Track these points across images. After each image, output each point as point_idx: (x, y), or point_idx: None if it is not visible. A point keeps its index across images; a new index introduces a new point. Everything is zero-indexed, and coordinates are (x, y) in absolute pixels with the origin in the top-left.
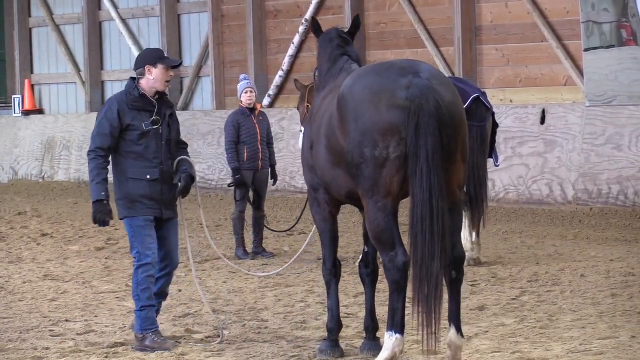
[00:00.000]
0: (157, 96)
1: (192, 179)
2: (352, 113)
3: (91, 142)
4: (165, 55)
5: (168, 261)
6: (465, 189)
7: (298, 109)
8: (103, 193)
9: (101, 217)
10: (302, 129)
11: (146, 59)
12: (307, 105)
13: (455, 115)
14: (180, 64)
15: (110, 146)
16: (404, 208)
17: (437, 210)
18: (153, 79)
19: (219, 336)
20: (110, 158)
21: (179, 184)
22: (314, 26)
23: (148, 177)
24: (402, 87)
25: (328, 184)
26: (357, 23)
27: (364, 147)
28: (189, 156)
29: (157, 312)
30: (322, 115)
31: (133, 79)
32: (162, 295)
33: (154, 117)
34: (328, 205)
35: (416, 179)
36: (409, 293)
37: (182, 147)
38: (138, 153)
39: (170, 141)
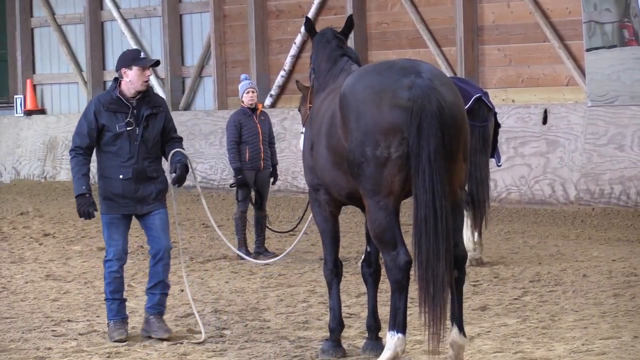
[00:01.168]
0: (138, 96)
1: (186, 168)
2: (354, 112)
3: (72, 141)
4: (142, 55)
5: (156, 246)
6: (467, 189)
7: (299, 110)
8: (84, 187)
9: (85, 209)
10: (304, 129)
11: (121, 61)
12: (310, 107)
13: (457, 116)
14: (156, 62)
15: (88, 145)
16: (407, 208)
17: (440, 211)
18: (129, 81)
19: (222, 335)
20: (90, 155)
21: (174, 174)
22: (308, 26)
23: (121, 176)
24: (404, 87)
25: (328, 184)
26: (350, 23)
27: (365, 147)
28: (182, 148)
29: (161, 305)
30: (322, 116)
31: (116, 79)
32: (161, 285)
33: (127, 119)
34: (329, 205)
35: (418, 180)
36: (412, 293)
37: (176, 140)
38: (113, 152)
39: (147, 141)
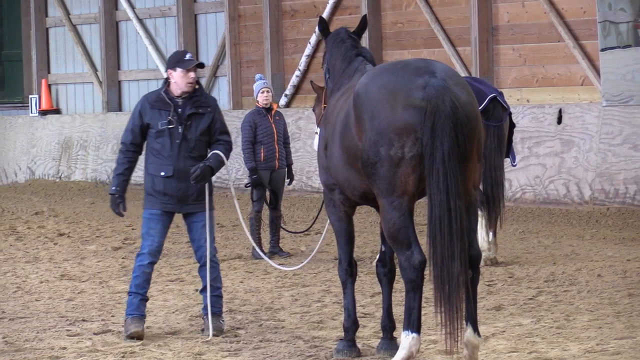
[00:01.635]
0: (185, 95)
1: (210, 169)
2: (368, 112)
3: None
4: (187, 57)
5: (197, 250)
6: (482, 189)
7: (314, 110)
8: (114, 187)
9: (113, 209)
10: (318, 129)
11: (168, 63)
12: (324, 107)
13: (470, 116)
14: (199, 65)
15: (132, 141)
16: (421, 208)
17: (454, 211)
18: (174, 82)
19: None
20: (135, 152)
21: (194, 172)
22: (321, 26)
23: (162, 173)
24: (418, 87)
25: (342, 184)
26: (364, 23)
27: (379, 146)
28: (224, 150)
29: (212, 305)
30: (336, 115)
31: (167, 78)
32: (210, 288)
33: (170, 117)
34: (343, 205)
35: (432, 180)
36: (427, 292)
37: (221, 142)
38: (157, 150)
39: (189, 140)
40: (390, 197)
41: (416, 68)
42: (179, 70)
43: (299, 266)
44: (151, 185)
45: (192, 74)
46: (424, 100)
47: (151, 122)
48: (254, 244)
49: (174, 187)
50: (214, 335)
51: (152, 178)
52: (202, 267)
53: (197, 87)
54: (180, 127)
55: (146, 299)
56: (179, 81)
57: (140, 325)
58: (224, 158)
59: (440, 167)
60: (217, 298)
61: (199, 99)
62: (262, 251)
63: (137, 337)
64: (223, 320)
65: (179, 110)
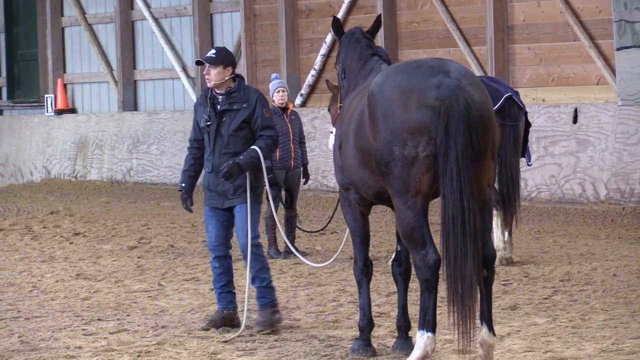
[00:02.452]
0: (224, 92)
1: (237, 165)
2: (382, 111)
3: None
4: (207, 54)
5: (239, 244)
6: (497, 188)
7: (329, 110)
8: (180, 184)
9: (182, 205)
10: (333, 129)
11: None
12: (340, 106)
13: (484, 115)
14: (208, 59)
15: (195, 138)
16: (436, 207)
17: (468, 210)
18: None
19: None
20: (200, 149)
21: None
22: (335, 25)
23: (206, 169)
24: (432, 87)
25: (356, 183)
26: (378, 23)
27: (393, 146)
28: (264, 145)
29: (263, 297)
30: (351, 114)
31: None
32: (257, 280)
33: (208, 114)
34: (359, 204)
35: (446, 179)
36: (442, 292)
37: (262, 137)
38: (204, 147)
39: (223, 136)
40: (405, 196)
41: (430, 67)
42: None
43: (328, 262)
44: (204, 181)
45: (208, 70)
46: (438, 99)
47: (198, 119)
48: (288, 244)
49: (214, 183)
50: (262, 330)
51: (204, 174)
52: (245, 259)
53: (215, 82)
54: (215, 124)
55: (223, 291)
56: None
57: (213, 319)
58: (260, 153)
59: (453, 167)
60: (265, 289)
61: (238, 94)
62: (297, 249)
63: (215, 327)
64: (276, 312)
65: (218, 106)
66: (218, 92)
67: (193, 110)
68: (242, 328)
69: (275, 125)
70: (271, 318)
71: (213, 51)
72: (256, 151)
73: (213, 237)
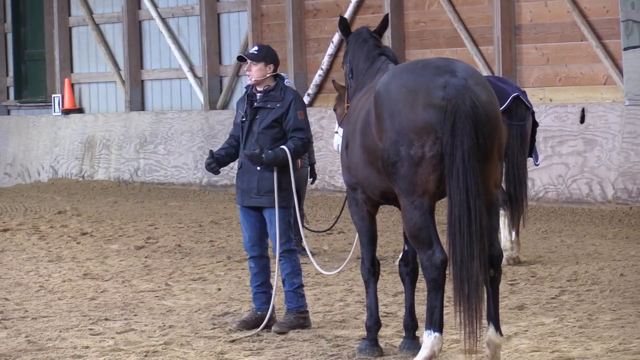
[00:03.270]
0: (262, 89)
1: (259, 156)
2: (388, 111)
3: None
4: (247, 51)
5: (274, 248)
6: (505, 188)
7: (335, 110)
8: (213, 150)
9: (206, 161)
10: (339, 129)
11: None
12: (347, 106)
13: (491, 115)
14: (250, 55)
15: (234, 133)
16: (444, 207)
17: (474, 211)
18: None
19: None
20: (237, 143)
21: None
22: (342, 25)
23: (238, 166)
24: (439, 87)
25: (362, 183)
26: (385, 22)
27: (399, 146)
28: (292, 146)
29: (289, 301)
30: (357, 114)
31: None
32: (286, 284)
33: (245, 111)
34: (366, 204)
35: (452, 180)
36: (449, 292)
37: (292, 137)
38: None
39: (253, 132)
40: (411, 196)
41: (437, 67)
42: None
43: (339, 269)
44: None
45: (248, 67)
46: (444, 99)
47: (236, 115)
48: (305, 247)
49: (242, 180)
50: (278, 330)
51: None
52: (279, 260)
53: (256, 79)
54: (248, 121)
55: (260, 291)
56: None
57: (244, 320)
58: (289, 153)
59: (460, 167)
60: (293, 293)
61: (275, 92)
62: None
63: (246, 327)
64: (301, 318)
65: (254, 104)
66: (258, 89)
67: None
68: (256, 330)
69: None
70: (292, 322)
71: (255, 48)
72: (284, 151)
73: (247, 238)
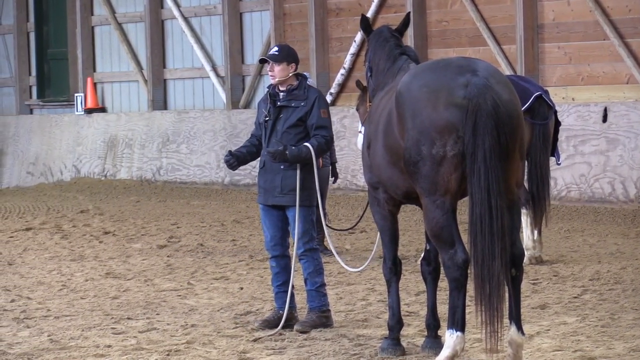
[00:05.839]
0: (285, 89)
1: (282, 153)
2: (410, 111)
3: None
4: (270, 52)
5: (295, 246)
6: (527, 187)
7: (357, 109)
8: (233, 149)
9: (225, 157)
10: (362, 128)
11: None
12: (369, 105)
13: (512, 114)
14: (271, 57)
15: (255, 134)
16: (465, 206)
17: (495, 210)
18: None
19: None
20: (258, 142)
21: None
22: (363, 24)
23: (260, 165)
24: (460, 86)
25: (385, 183)
26: (407, 21)
27: (421, 145)
28: (316, 144)
29: (311, 300)
30: (379, 114)
31: None
32: (308, 282)
33: (267, 111)
34: (387, 204)
35: (474, 179)
36: (471, 291)
37: (316, 136)
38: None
39: (277, 132)
40: (433, 196)
41: (458, 66)
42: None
43: (363, 266)
44: (257, 179)
45: (271, 67)
46: (466, 98)
47: (258, 115)
48: (330, 244)
49: (264, 179)
50: (299, 329)
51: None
52: (300, 260)
53: (279, 79)
54: (272, 120)
55: (282, 291)
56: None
57: (267, 320)
58: (312, 150)
59: (481, 166)
60: (315, 292)
61: (298, 92)
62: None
63: (269, 327)
64: (323, 317)
65: (277, 103)
66: (280, 89)
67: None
68: (277, 329)
69: (331, 126)
70: (314, 321)
71: (276, 49)
72: (308, 148)
73: (268, 238)
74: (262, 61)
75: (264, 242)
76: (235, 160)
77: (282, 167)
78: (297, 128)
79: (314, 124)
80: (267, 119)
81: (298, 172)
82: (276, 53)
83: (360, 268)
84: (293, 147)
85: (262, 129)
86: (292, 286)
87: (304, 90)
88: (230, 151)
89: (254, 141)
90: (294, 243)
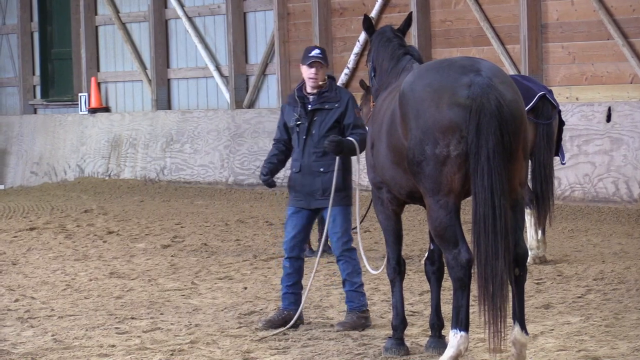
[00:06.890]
0: (316, 91)
1: (339, 143)
2: (413, 111)
3: None
4: (312, 53)
5: (333, 247)
6: (531, 187)
7: (361, 109)
8: (263, 176)
9: (262, 178)
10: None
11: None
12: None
13: (516, 114)
14: (320, 58)
15: (279, 138)
16: (469, 206)
17: (499, 209)
18: (304, 78)
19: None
20: (285, 146)
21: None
22: (366, 23)
23: (294, 169)
24: (463, 86)
25: (388, 182)
26: (409, 20)
27: (424, 145)
28: (358, 139)
29: (351, 301)
30: (383, 114)
31: None
32: (347, 283)
33: (298, 114)
34: (391, 203)
35: (477, 178)
36: (475, 291)
37: (354, 134)
38: (294, 146)
39: (313, 135)
40: (437, 195)
41: (461, 66)
42: (303, 66)
43: (380, 269)
44: (289, 181)
45: (312, 70)
46: (469, 98)
47: (286, 119)
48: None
49: (302, 183)
50: (340, 329)
51: (290, 174)
52: (338, 261)
53: (321, 82)
54: (306, 123)
55: (290, 292)
56: (305, 77)
57: (271, 320)
58: (357, 146)
59: (485, 166)
60: (354, 293)
61: (330, 94)
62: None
63: (273, 327)
64: (362, 317)
65: (308, 106)
66: (309, 92)
67: (280, 110)
68: (283, 329)
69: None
70: (355, 321)
71: (317, 51)
72: (353, 142)
73: (289, 237)
74: (311, 65)
75: (272, 241)
76: (271, 176)
77: (321, 169)
78: (334, 130)
79: (351, 123)
80: (299, 122)
81: (335, 171)
82: (321, 55)
83: (379, 270)
84: (344, 139)
85: (293, 132)
86: (306, 288)
87: (335, 92)
88: (262, 171)
89: (280, 147)
90: (328, 242)
